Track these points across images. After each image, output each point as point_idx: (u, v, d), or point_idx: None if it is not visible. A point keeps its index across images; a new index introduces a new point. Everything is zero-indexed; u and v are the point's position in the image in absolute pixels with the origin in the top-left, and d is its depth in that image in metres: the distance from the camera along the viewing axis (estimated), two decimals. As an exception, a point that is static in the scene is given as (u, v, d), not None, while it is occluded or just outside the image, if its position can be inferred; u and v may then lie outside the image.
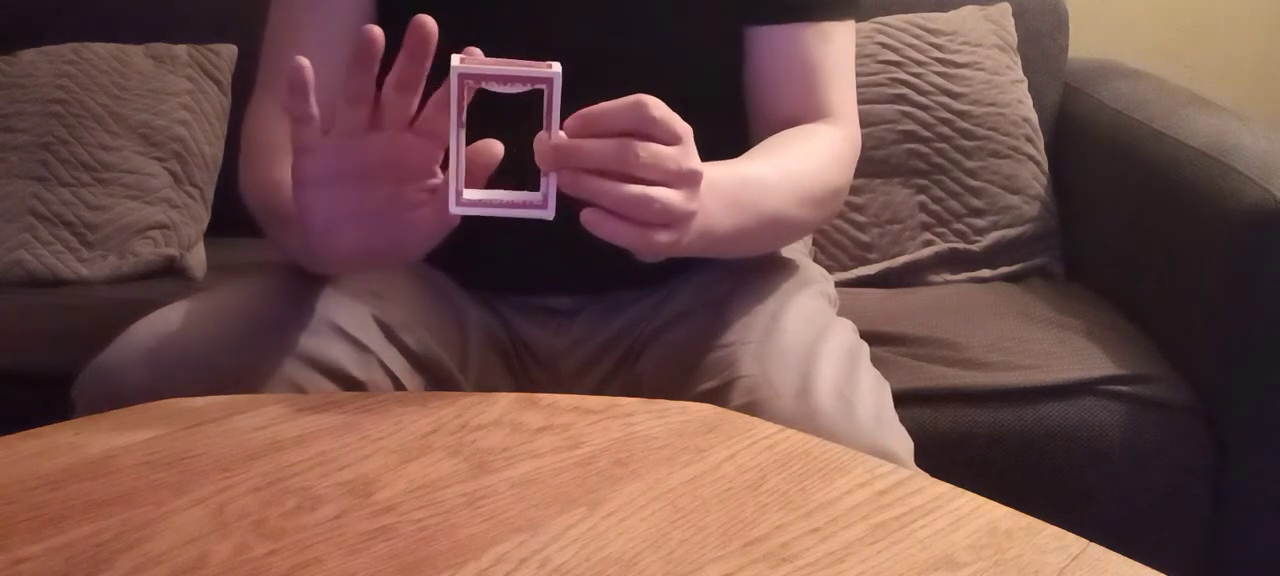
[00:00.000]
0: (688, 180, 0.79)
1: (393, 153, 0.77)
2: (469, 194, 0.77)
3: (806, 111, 1.03)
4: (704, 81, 1.01)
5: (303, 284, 0.95)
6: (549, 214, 0.77)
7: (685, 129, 0.79)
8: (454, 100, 0.74)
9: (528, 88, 0.74)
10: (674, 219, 0.79)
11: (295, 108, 0.75)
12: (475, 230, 1.01)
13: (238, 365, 0.86)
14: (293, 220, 0.84)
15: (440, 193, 0.78)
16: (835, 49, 1.04)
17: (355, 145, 0.76)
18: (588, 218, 0.77)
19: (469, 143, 0.76)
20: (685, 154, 0.78)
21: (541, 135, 0.75)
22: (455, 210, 0.77)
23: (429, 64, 0.74)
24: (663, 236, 0.79)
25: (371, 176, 0.77)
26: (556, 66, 0.74)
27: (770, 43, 1.03)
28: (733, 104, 1.06)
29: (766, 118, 1.03)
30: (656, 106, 0.76)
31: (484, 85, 0.74)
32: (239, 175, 1.01)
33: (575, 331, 1.05)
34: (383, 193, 0.78)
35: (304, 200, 0.79)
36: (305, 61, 0.73)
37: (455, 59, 0.74)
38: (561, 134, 0.75)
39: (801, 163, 0.98)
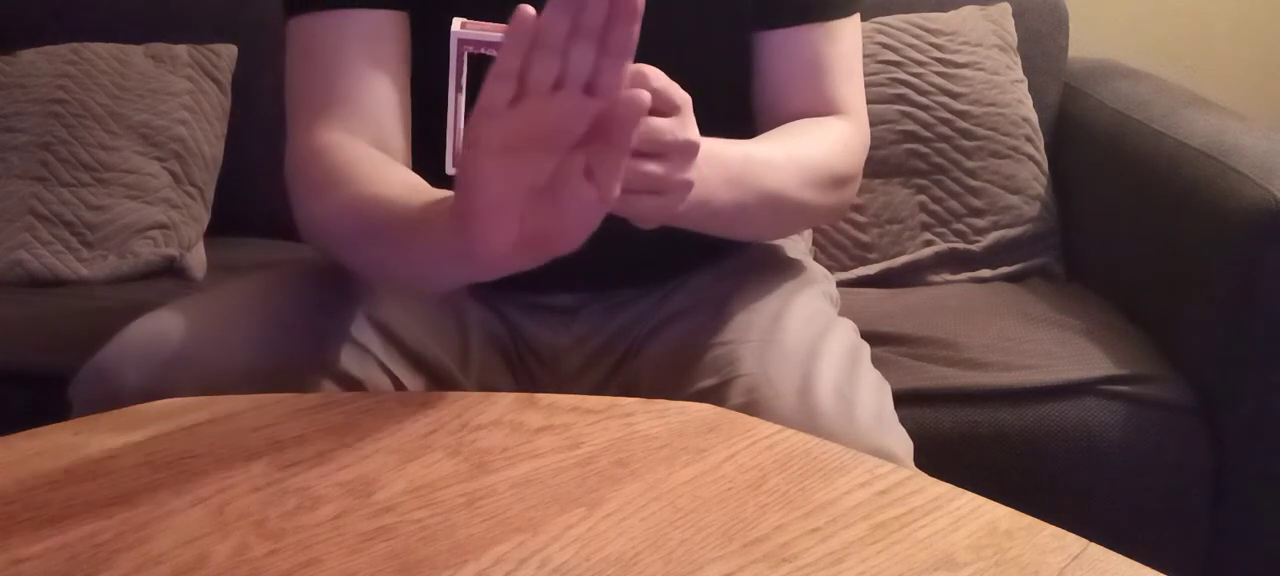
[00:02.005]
0: (684, 151, 0.78)
1: (568, 115, 0.71)
2: None
3: (816, 110, 1.03)
4: (712, 93, 1.01)
5: (300, 284, 0.95)
6: None
7: (684, 99, 0.78)
8: (453, 64, 0.74)
9: None
10: (661, 187, 0.78)
11: (509, 60, 0.69)
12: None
13: (235, 365, 0.86)
14: (411, 231, 0.80)
15: (603, 168, 0.72)
16: (842, 47, 1.05)
17: (536, 105, 0.70)
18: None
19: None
20: (682, 125, 0.77)
21: None
22: (451, 171, 0.76)
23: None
24: (646, 202, 0.78)
25: (543, 143, 0.71)
26: None
27: (778, 45, 1.03)
28: (740, 113, 1.06)
29: (776, 117, 1.04)
30: (656, 77, 0.76)
31: (485, 52, 0.74)
32: (303, 207, 0.94)
33: (577, 329, 1.05)
34: (552, 162, 0.72)
35: (481, 173, 0.72)
36: (532, 11, 0.68)
37: (455, 23, 0.74)
38: None
39: (808, 147, 0.98)
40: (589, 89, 0.70)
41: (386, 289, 0.95)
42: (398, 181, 0.87)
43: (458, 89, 0.75)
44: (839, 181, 1.01)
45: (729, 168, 0.88)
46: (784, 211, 0.97)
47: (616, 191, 0.72)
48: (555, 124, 0.71)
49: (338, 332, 0.92)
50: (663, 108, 0.76)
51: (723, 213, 0.89)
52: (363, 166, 0.90)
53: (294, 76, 0.99)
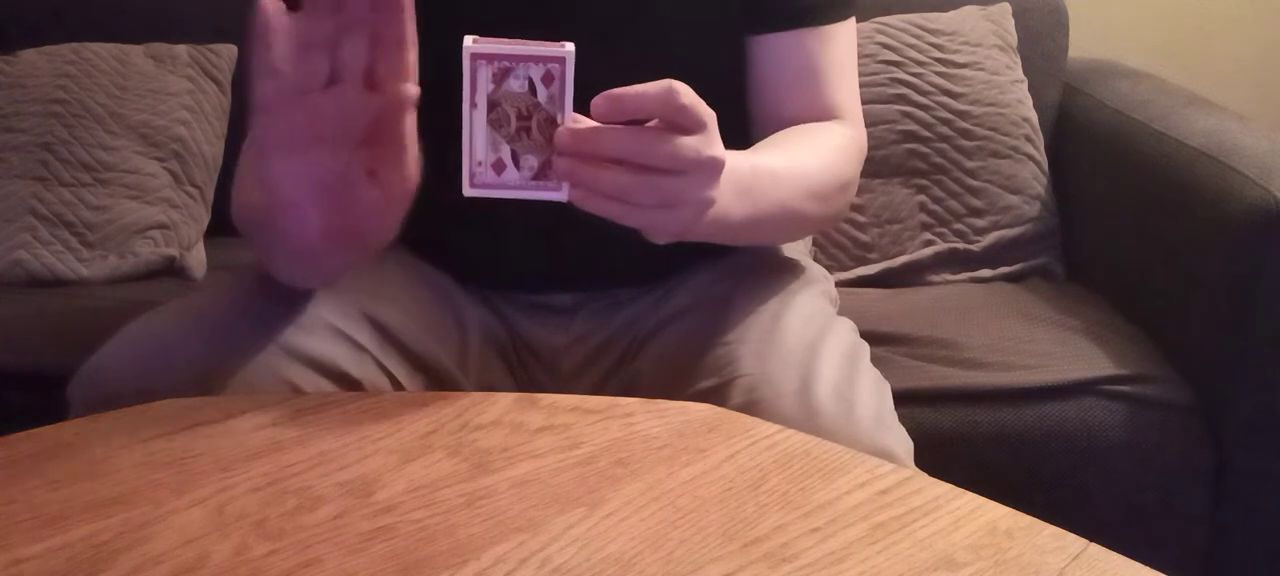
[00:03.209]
0: (708, 168, 0.78)
1: (347, 110, 0.72)
2: (481, 177, 0.77)
3: (812, 115, 1.03)
4: (700, 89, 1.01)
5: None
6: (563, 195, 0.77)
7: (709, 115, 0.78)
8: (467, 81, 0.74)
9: (542, 68, 0.74)
10: (680, 202, 0.78)
11: (261, 57, 0.69)
12: (476, 229, 1.01)
13: (233, 365, 0.86)
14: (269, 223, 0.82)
15: (384, 167, 0.74)
16: (837, 51, 1.04)
17: (311, 102, 0.71)
18: (576, 197, 0.76)
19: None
20: (707, 142, 0.78)
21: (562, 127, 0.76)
22: (469, 192, 0.77)
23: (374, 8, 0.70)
24: (661, 216, 0.79)
25: (327, 140, 0.72)
26: (569, 46, 0.74)
27: (773, 50, 1.03)
28: (734, 115, 1.05)
29: (772, 121, 1.03)
30: (685, 93, 0.76)
31: (499, 66, 0.74)
32: (231, 202, 0.97)
33: (576, 328, 1.05)
34: (340, 160, 0.73)
35: (270, 173, 0.74)
36: (275, 4, 0.68)
37: (468, 39, 0.74)
38: (577, 117, 0.76)
39: (810, 156, 0.98)
40: (370, 83, 0.71)
41: (285, 281, 0.95)
42: None
43: (471, 105, 0.75)
44: (841, 190, 1.02)
45: (741, 181, 0.88)
46: (790, 221, 0.98)
47: (408, 185, 0.74)
48: (334, 121, 0.71)
49: (336, 331, 0.92)
50: (688, 124, 0.77)
51: (735, 226, 0.89)
52: None
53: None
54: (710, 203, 0.80)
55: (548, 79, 0.74)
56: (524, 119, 0.76)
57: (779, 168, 0.94)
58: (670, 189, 0.77)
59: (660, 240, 0.82)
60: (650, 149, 0.75)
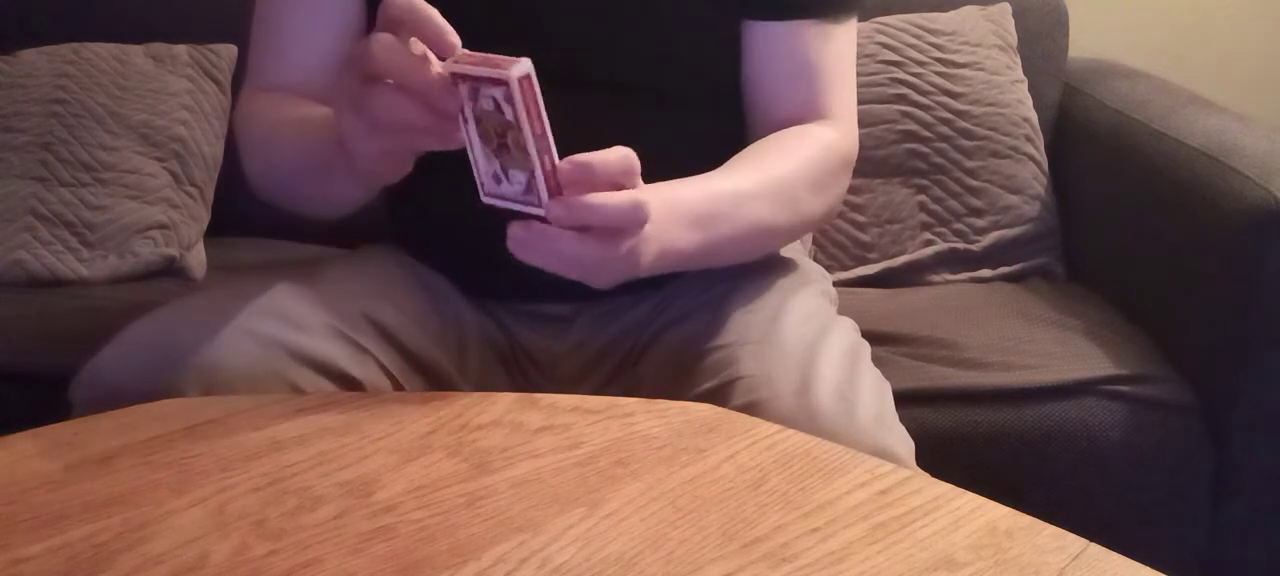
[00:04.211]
0: (634, 219, 0.79)
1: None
2: (489, 187, 0.78)
3: (805, 113, 1.02)
4: (697, 75, 0.99)
5: (299, 284, 0.95)
6: (542, 211, 0.77)
7: (635, 166, 0.78)
8: (461, 97, 0.74)
9: (501, 88, 0.72)
10: (625, 260, 0.80)
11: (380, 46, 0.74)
12: (470, 237, 1.01)
13: (233, 365, 0.86)
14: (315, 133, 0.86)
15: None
16: (836, 50, 1.04)
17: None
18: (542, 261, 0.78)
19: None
20: (635, 200, 0.78)
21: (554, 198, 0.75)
22: (485, 201, 0.78)
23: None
24: (601, 275, 0.80)
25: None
26: (520, 66, 0.71)
27: (770, 41, 1.03)
28: (726, 99, 1.05)
29: (765, 117, 1.03)
30: (635, 160, 0.77)
31: (477, 85, 0.73)
32: (245, 158, 1.02)
33: (574, 336, 1.05)
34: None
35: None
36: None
37: (449, 59, 0.74)
38: (548, 138, 0.75)
39: (781, 166, 0.97)
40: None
41: (295, 207, 1.01)
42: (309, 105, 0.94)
43: (464, 120, 0.75)
44: (816, 193, 1.00)
45: (691, 212, 0.88)
46: (758, 237, 0.97)
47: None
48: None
49: (337, 332, 0.92)
50: (623, 181, 0.77)
51: (690, 255, 0.89)
52: (292, 103, 0.98)
53: (252, 38, 1.07)
54: (636, 259, 0.81)
55: (508, 98, 0.72)
56: (501, 136, 0.75)
57: (742, 187, 0.93)
58: (602, 252, 0.77)
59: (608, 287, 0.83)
60: (640, 220, 0.77)
